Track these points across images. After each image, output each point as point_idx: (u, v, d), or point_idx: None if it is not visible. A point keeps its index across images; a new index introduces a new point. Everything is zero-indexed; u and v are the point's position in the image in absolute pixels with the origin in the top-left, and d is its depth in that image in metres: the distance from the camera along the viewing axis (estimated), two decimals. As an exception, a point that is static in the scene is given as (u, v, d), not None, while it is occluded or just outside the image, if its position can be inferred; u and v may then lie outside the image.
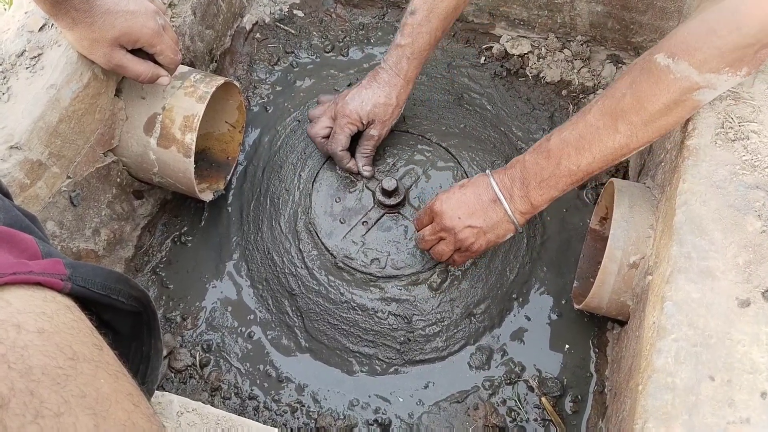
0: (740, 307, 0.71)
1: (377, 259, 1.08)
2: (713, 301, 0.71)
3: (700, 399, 0.66)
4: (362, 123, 1.08)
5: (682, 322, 0.70)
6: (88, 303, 0.56)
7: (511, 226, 0.94)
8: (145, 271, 1.13)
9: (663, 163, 0.93)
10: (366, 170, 1.11)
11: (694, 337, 0.69)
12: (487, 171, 0.96)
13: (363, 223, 1.11)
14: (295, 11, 1.35)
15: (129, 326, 0.64)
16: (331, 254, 1.08)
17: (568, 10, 1.21)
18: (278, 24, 1.33)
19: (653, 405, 0.66)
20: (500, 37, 1.29)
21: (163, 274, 1.13)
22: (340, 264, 1.08)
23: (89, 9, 0.86)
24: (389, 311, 1.06)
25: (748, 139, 0.81)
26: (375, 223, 1.11)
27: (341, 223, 1.11)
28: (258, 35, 1.32)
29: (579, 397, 0.99)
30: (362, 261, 1.08)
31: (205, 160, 1.19)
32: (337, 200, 1.13)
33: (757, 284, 0.72)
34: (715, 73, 0.75)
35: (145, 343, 0.66)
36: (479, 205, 0.94)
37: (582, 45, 1.25)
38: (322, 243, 1.09)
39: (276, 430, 0.69)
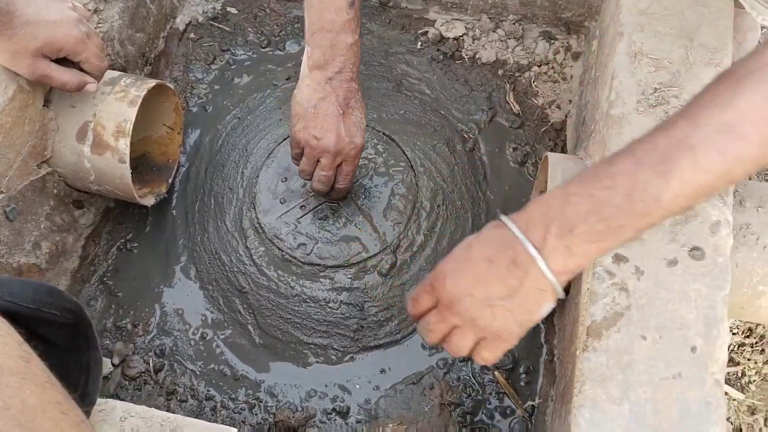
0: (668, 267, 0.73)
1: (304, 244, 1.09)
2: (642, 264, 0.73)
3: (633, 358, 0.68)
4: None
5: (613, 285, 0.72)
6: (18, 318, 0.55)
7: (545, 292, 0.63)
8: (92, 281, 1.12)
9: (593, 134, 0.95)
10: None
11: (625, 300, 0.71)
12: (502, 216, 0.65)
13: (301, 207, 1.12)
14: (228, 8, 1.34)
15: (65, 338, 0.63)
16: (263, 229, 1.10)
17: (498, -10, 1.23)
18: (212, 22, 1.32)
19: (588, 367, 0.68)
20: (435, 21, 1.30)
21: (111, 283, 1.12)
22: (287, 257, 1.08)
23: (9, 21, 0.85)
24: (341, 300, 1.06)
25: (669, 103, 0.83)
26: (312, 209, 1.12)
27: (281, 203, 1.13)
28: (192, 35, 1.31)
29: (531, 367, 1.01)
30: (289, 243, 1.09)
31: (145, 164, 1.17)
32: (284, 180, 1.14)
33: (683, 243, 0.74)
34: None
35: (83, 353, 0.66)
36: (496, 268, 0.64)
37: (514, 24, 1.27)
38: (258, 220, 1.11)
39: (223, 426, 0.69)
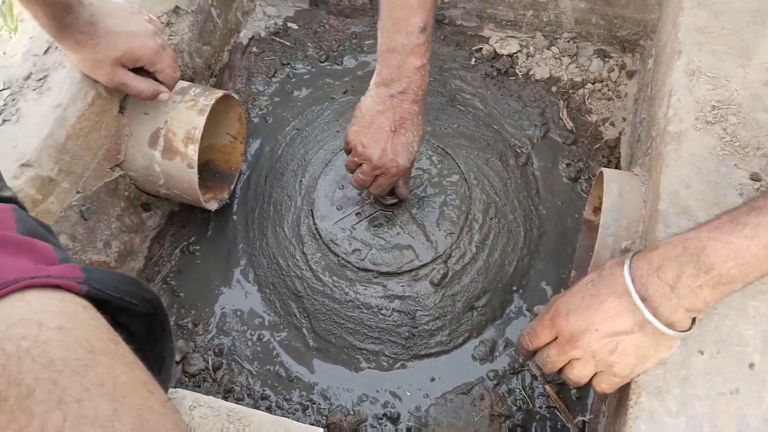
0: (726, 283, 0.73)
1: (358, 250, 1.12)
2: (700, 278, 0.74)
3: (690, 372, 0.68)
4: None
5: (671, 299, 0.73)
6: (103, 305, 0.59)
7: (670, 342, 0.67)
8: (156, 281, 1.17)
9: (650, 150, 0.96)
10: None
11: (683, 313, 0.72)
12: (627, 260, 0.68)
13: (357, 214, 1.16)
14: (289, 24, 1.39)
15: (143, 328, 0.67)
16: (320, 234, 1.15)
17: (553, 8, 1.25)
18: (273, 37, 1.38)
19: (645, 380, 0.69)
20: (489, 38, 1.33)
21: (174, 283, 1.16)
22: (342, 262, 1.11)
23: (93, 32, 0.91)
24: (393, 308, 1.09)
25: (727, 121, 0.84)
26: (368, 217, 1.16)
27: (338, 209, 1.17)
28: (255, 49, 1.37)
29: (581, 382, 1.01)
30: (344, 248, 1.13)
31: (209, 171, 1.23)
32: (341, 187, 1.19)
33: (742, 260, 0.74)
34: None
35: (158, 343, 0.70)
36: (624, 302, 0.66)
37: (568, 42, 1.28)
38: (316, 226, 1.15)
39: (283, 419, 0.72)
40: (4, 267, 0.52)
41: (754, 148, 0.82)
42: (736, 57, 0.89)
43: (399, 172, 1.03)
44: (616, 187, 0.95)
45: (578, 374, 0.71)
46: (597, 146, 1.21)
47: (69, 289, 0.54)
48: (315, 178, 1.20)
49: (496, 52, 1.32)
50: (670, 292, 0.63)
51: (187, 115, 1.06)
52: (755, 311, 0.70)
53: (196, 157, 1.05)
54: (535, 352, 0.76)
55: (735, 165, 0.81)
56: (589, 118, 1.23)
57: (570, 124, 1.23)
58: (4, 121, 0.92)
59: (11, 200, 0.65)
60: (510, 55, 1.31)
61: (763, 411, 0.65)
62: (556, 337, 0.72)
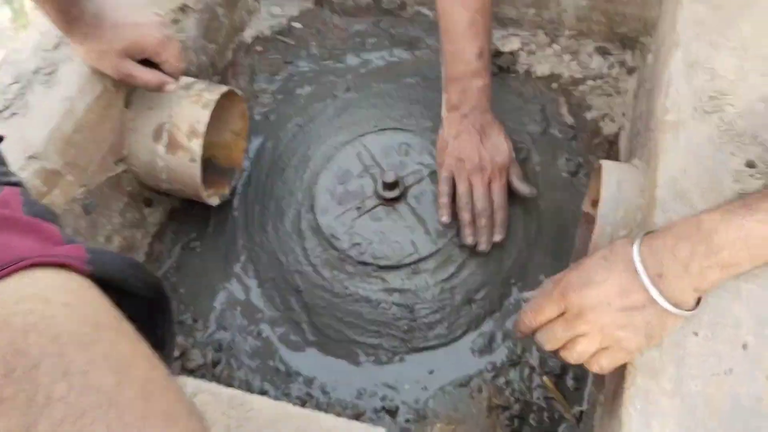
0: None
1: (359, 243, 1.13)
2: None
3: (685, 353, 0.69)
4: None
5: (666, 283, 0.73)
6: (108, 286, 0.60)
7: (676, 319, 0.67)
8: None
9: (648, 141, 0.97)
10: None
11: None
12: (638, 238, 0.69)
13: (357, 208, 1.16)
14: (293, 23, 1.41)
15: (145, 311, 0.68)
16: (320, 229, 1.15)
17: (555, 5, 1.26)
18: (277, 36, 1.40)
19: (641, 362, 0.69)
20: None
21: (174, 279, 1.17)
22: (342, 256, 1.12)
23: (100, 24, 0.93)
24: (392, 301, 1.09)
25: (724, 111, 0.84)
26: (368, 211, 1.16)
27: (338, 204, 1.17)
28: (259, 47, 1.38)
29: (579, 373, 1.01)
30: (345, 242, 1.13)
31: (211, 167, 1.24)
32: (341, 183, 1.20)
33: (738, 245, 0.75)
34: None
35: (159, 327, 0.70)
36: (623, 300, 0.67)
37: (570, 39, 1.30)
38: (316, 220, 1.16)
39: (284, 403, 0.73)
40: (11, 246, 0.54)
41: (750, 136, 0.82)
42: (734, 49, 0.89)
43: (503, 167, 1.10)
44: (614, 178, 0.95)
45: (582, 350, 0.70)
46: (597, 141, 1.22)
47: (74, 268, 0.55)
48: (316, 173, 1.21)
49: (498, 49, 1.33)
50: (683, 271, 0.64)
51: (191, 109, 1.07)
52: (749, 294, 0.70)
53: (200, 151, 1.06)
54: (535, 331, 0.75)
55: (731, 153, 0.81)
56: (589, 114, 1.24)
57: (570, 120, 1.24)
58: (13, 114, 0.94)
59: (18, 185, 0.66)
60: (512, 53, 1.32)
61: (756, 390, 0.65)
62: (563, 313, 0.71)
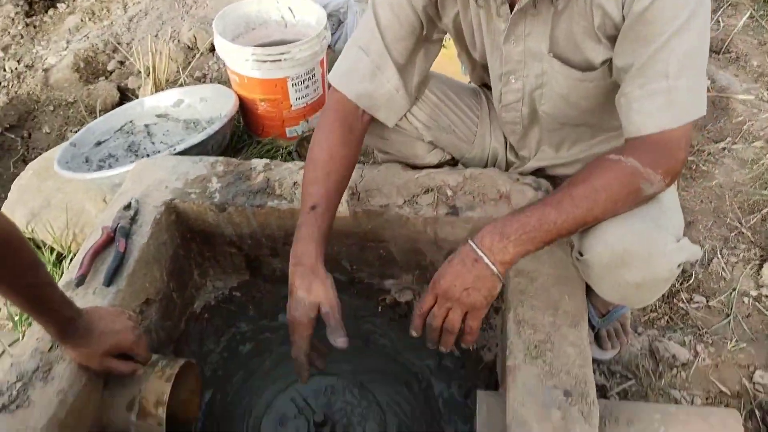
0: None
1: None
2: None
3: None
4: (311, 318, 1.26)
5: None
6: None
7: (495, 277, 1.11)
8: None
9: (507, 374, 1.32)
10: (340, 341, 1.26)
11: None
12: (469, 240, 1.13)
13: None
14: (234, 293, 1.76)
15: None
16: None
17: (430, 255, 1.67)
18: (221, 304, 1.73)
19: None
20: (390, 290, 1.73)
21: None
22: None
23: (88, 335, 1.22)
24: None
25: (545, 355, 1.21)
26: None
27: None
28: (206, 315, 1.71)
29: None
30: None
31: (171, 420, 1.49)
32: (281, 424, 1.45)
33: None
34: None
35: None
36: (466, 268, 1.11)
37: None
38: None
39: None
40: None
41: (564, 372, 1.19)
42: (548, 309, 1.29)
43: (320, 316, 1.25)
44: (484, 406, 1.29)
45: (452, 318, 1.14)
46: (480, 367, 1.57)
47: None
48: (258, 419, 1.49)
49: (396, 300, 1.71)
50: (490, 252, 1.10)
51: (157, 384, 1.36)
52: None
53: (164, 417, 1.33)
54: (424, 326, 1.19)
55: (554, 386, 1.17)
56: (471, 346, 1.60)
57: (457, 352, 1.59)
58: (18, 407, 1.20)
59: None
60: (407, 302, 1.70)
61: None
62: (437, 301, 1.15)
